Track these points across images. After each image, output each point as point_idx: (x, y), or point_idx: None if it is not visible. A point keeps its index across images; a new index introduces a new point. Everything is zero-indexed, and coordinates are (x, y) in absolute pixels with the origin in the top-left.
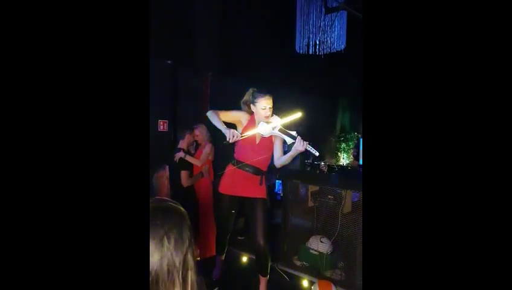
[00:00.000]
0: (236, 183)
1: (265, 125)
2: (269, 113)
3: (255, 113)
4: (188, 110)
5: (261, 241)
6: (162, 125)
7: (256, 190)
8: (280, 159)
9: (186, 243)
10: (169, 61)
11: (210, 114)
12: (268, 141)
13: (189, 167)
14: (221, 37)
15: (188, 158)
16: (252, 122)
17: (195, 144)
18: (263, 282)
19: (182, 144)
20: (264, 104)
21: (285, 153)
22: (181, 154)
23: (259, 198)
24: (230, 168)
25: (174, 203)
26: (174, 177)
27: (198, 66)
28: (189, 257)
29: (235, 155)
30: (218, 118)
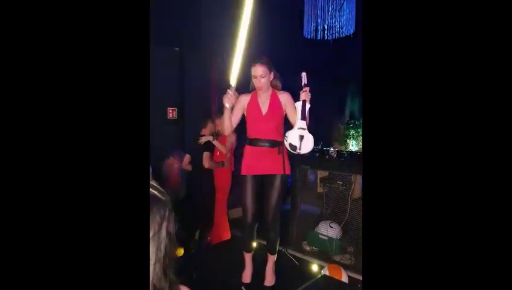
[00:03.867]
0: (255, 162)
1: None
2: (261, 84)
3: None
4: (197, 97)
5: (269, 219)
6: (171, 113)
7: (275, 165)
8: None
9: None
10: (177, 48)
11: (225, 130)
12: (275, 107)
13: (211, 150)
14: (229, 22)
15: (216, 143)
16: (254, 99)
17: (215, 133)
18: (270, 260)
19: (205, 131)
20: (253, 73)
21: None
22: (210, 137)
23: (277, 175)
24: (246, 148)
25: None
26: (196, 161)
27: (206, 51)
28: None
29: (247, 134)
30: (225, 116)
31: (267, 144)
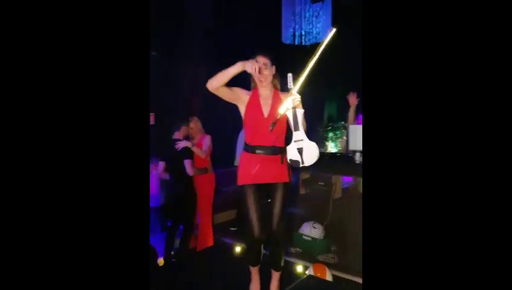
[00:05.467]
0: (254, 170)
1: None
2: (264, 77)
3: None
4: (176, 102)
5: (274, 232)
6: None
7: (277, 173)
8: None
9: None
10: (153, 53)
11: (212, 81)
12: (278, 110)
13: (192, 156)
14: (210, 27)
15: (195, 149)
16: (255, 97)
17: (190, 138)
18: (275, 278)
19: (178, 135)
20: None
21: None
22: (188, 143)
23: (280, 183)
24: (244, 155)
25: None
26: (175, 167)
27: (185, 56)
28: None
29: (246, 139)
30: (222, 74)
31: (268, 151)
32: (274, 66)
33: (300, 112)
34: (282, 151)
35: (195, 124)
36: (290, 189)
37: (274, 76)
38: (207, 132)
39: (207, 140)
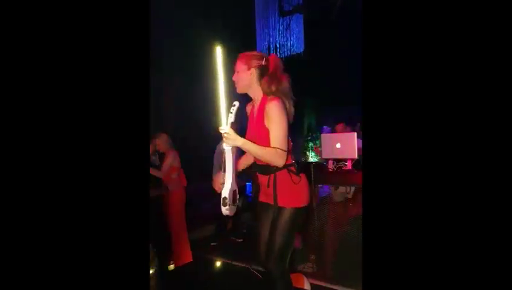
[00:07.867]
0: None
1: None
2: (235, 78)
3: None
4: (155, 116)
5: (270, 266)
6: None
7: (268, 194)
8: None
9: None
10: None
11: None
12: (258, 120)
13: (150, 177)
14: (183, 40)
15: (152, 171)
16: (248, 108)
17: (158, 154)
18: None
19: None
20: None
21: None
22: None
23: (284, 207)
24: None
25: None
26: None
27: (165, 71)
28: None
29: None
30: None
31: (261, 170)
32: (252, 70)
33: (227, 149)
34: (271, 172)
35: (161, 140)
36: None
37: (265, 80)
38: (184, 146)
39: (169, 159)
